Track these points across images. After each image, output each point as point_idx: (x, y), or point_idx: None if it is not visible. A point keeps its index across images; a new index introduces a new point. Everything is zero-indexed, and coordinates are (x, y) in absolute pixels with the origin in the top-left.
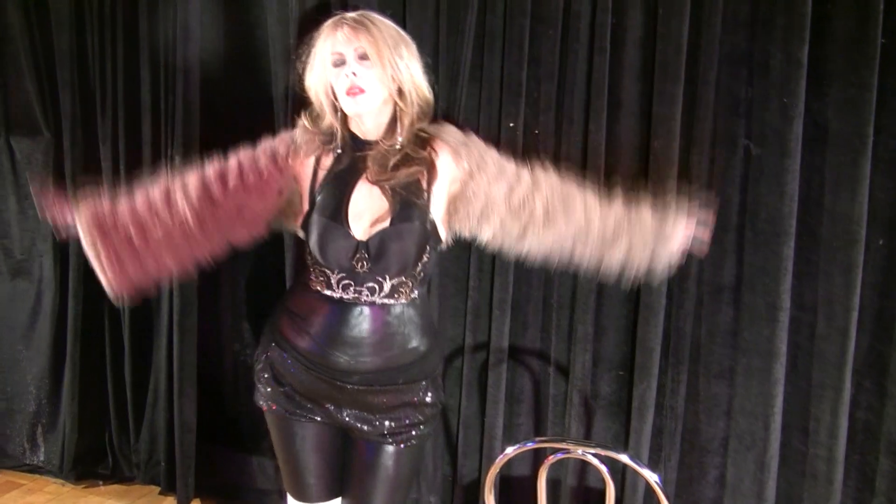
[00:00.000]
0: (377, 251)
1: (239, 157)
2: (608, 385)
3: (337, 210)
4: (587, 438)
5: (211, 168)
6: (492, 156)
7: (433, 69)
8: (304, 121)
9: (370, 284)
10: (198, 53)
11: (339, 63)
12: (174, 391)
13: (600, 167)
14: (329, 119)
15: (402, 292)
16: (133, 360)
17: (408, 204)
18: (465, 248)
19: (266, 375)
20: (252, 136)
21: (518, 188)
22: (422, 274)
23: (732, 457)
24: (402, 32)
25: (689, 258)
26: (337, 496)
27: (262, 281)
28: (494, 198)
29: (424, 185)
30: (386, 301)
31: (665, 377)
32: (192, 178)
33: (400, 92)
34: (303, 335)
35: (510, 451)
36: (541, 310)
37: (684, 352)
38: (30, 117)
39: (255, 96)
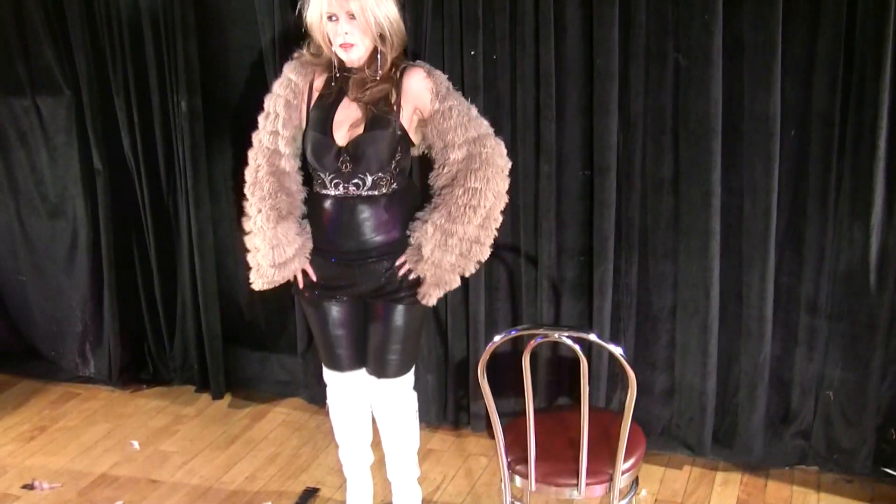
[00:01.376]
0: (356, 154)
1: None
2: (571, 270)
3: (324, 124)
4: (557, 317)
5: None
6: (459, 112)
7: (399, 11)
8: (305, 51)
9: (355, 181)
10: (193, 9)
11: (333, 20)
12: (199, 304)
13: (552, 84)
14: (326, 53)
15: (381, 185)
16: (161, 281)
17: (378, 116)
18: None
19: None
20: (245, 79)
21: (449, 152)
22: (397, 170)
23: (680, 323)
24: None
25: (633, 156)
26: (362, 366)
27: None
28: (435, 139)
29: (393, 100)
30: (371, 193)
31: (619, 260)
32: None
33: (381, 37)
34: (317, 232)
35: (497, 339)
36: (510, 210)
37: (634, 237)
38: (51, 78)
39: (245, 44)
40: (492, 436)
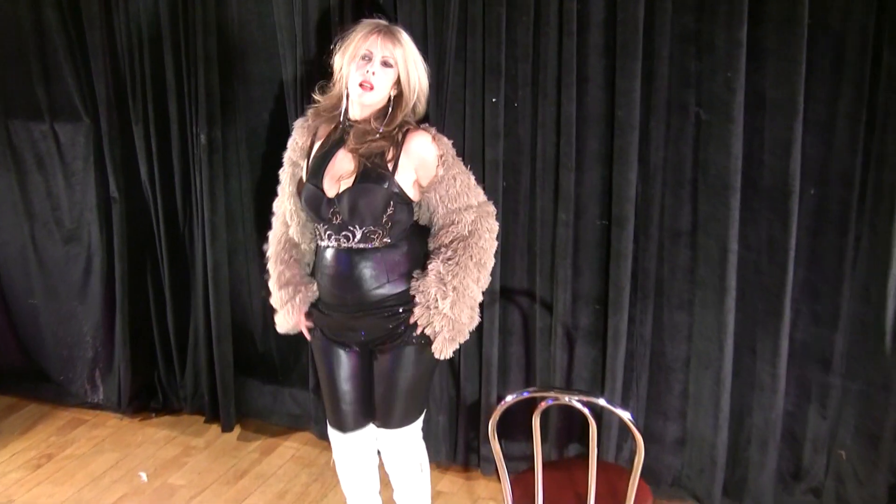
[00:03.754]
0: (349, 206)
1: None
2: (586, 317)
3: (317, 174)
4: (570, 363)
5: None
6: (461, 181)
7: (423, 53)
8: (316, 96)
9: (345, 233)
10: (216, 40)
11: (366, 58)
12: (212, 334)
13: (572, 134)
14: (338, 94)
15: (372, 239)
16: (175, 310)
17: (370, 170)
18: None
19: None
20: (266, 113)
21: (457, 216)
22: (388, 224)
23: (693, 374)
24: (418, 52)
25: (652, 207)
26: (369, 422)
27: None
28: (437, 205)
29: (389, 156)
30: (362, 246)
31: (634, 309)
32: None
33: (402, 95)
34: (322, 284)
35: (509, 398)
36: (526, 256)
37: (650, 287)
38: (70, 105)
39: (267, 77)
40: None
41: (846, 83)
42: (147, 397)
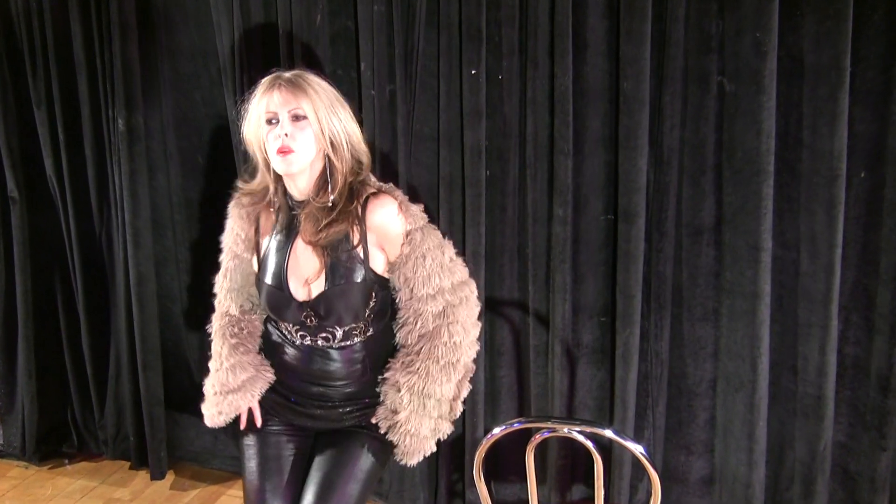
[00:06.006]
0: (325, 310)
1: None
2: (590, 332)
3: (278, 274)
4: (572, 388)
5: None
6: (433, 259)
7: (386, 16)
8: (240, 181)
9: (323, 335)
10: (134, 4)
11: (273, 122)
12: (138, 363)
13: (569, 111)
14: (262, 174)
15: (355, 335)
16: (91, 333)
17: (339, 264)
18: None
19: None
20: (198, 93)
21: (421, 304)
22: (371, 316)
23: (721, 398)
24: (337, 93)
25: (667, 199)
26: None
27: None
28: (402, 286)
29: (356, 240)
30: (342, 344)
31: (648, 322)
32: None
33: (333, 149)
34: (278, 375)
35: (497, 431)
36: (516, 260)
37: (666, 296)
38: None
39: (198, 49)
40: None
41: None
42: (58, 441)
